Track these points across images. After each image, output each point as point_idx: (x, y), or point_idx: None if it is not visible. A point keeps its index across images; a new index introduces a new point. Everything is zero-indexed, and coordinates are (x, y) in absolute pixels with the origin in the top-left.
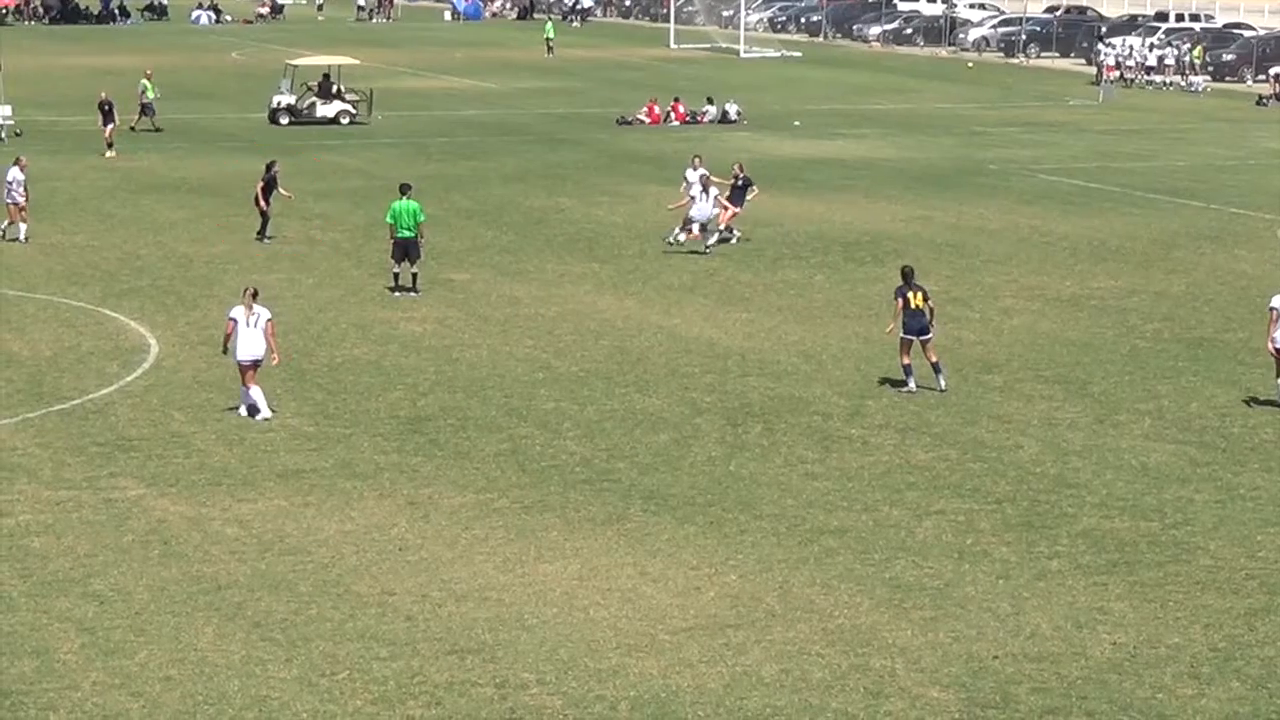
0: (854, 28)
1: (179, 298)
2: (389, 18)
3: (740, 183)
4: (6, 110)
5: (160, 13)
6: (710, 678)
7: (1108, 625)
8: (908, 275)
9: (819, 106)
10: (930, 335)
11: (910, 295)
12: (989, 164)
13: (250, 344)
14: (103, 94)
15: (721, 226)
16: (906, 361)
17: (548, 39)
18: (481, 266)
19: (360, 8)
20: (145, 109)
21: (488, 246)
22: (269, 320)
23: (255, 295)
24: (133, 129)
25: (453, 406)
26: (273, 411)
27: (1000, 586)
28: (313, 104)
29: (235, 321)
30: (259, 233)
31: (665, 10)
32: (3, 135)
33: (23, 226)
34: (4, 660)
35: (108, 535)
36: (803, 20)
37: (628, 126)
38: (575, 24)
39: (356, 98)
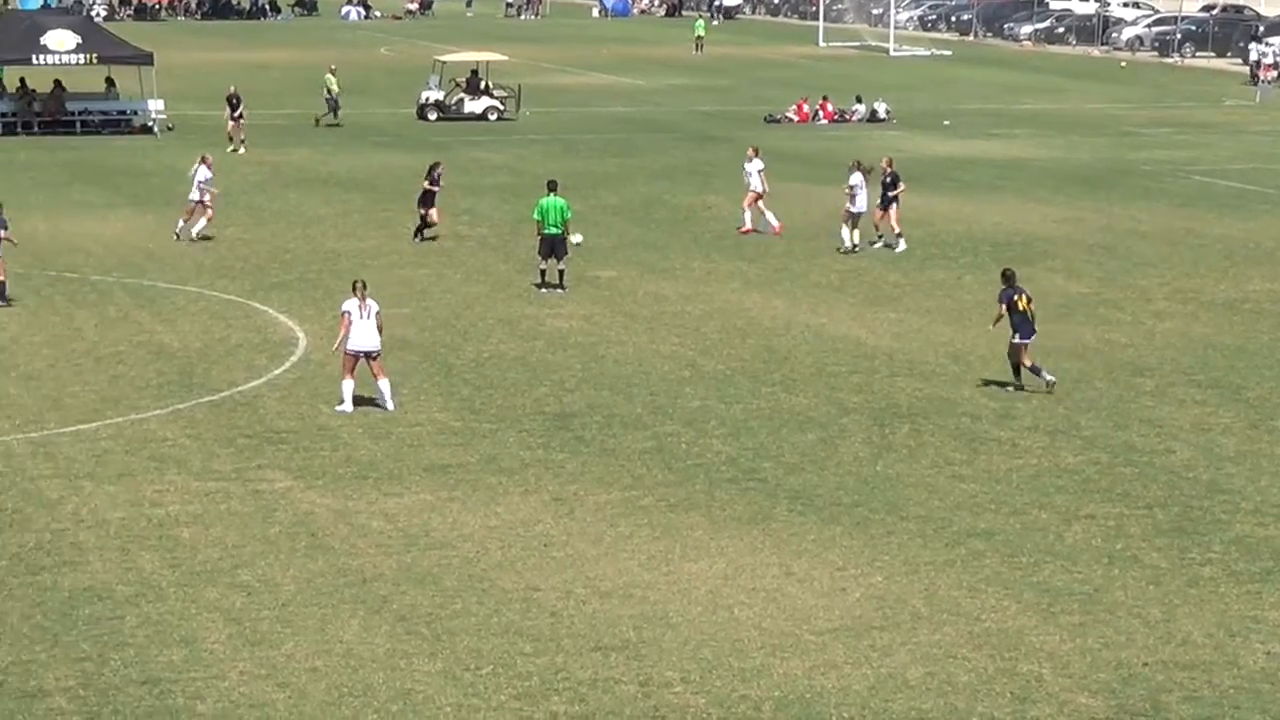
0: (1005, 26)
1: (327, 291)
2: (538, 14)
3: (888, 179)
4: (159, 105)
5: (310, 8)
6: (855, 679)
7: (1261, 634)
8: (1011, 278)
9: (969, 106)
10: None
11: (1017, 299)
12: (1141, 165)
13: (364, 335)
14: (231, 88)
15: (879, 233)
16: (1029, 362)
17: (697, 36)
18: (628, 263)
19: (509, 4)
20: (330, 104)
21: (635, 243)
22: (377, 312)
23: (365, 287)
24: (316, 123)
25: (599, 403)
26: (394, 406)
27: (1150, 592)
28: (461, 100)
29: (349, 314)
30: (416, 232)
31: (814, 8)
32: (155, 130)
33: (202, 221)
34: (153, 649)
35: (255, 527)
36: (953, 19)
37: (776, 125)
38: (715, 21)
39: (504, 94)
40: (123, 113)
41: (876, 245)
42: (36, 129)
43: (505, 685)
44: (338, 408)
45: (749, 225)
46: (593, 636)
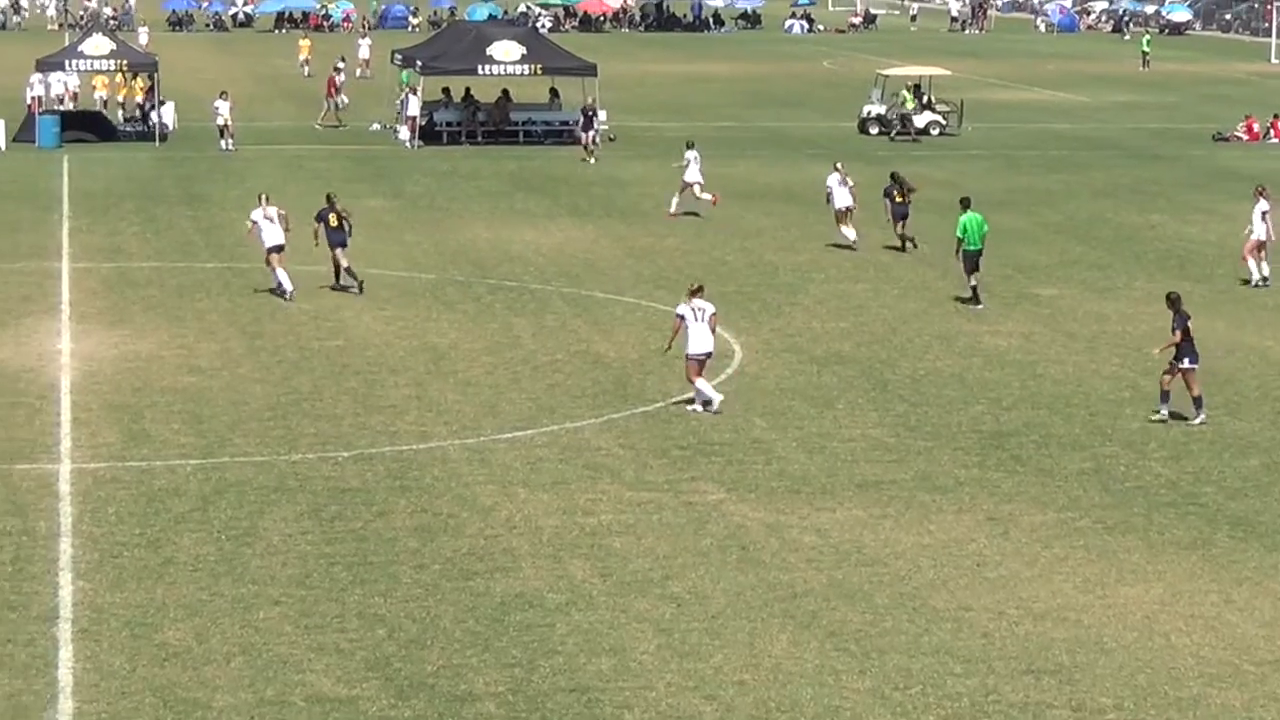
0: None
1: (763, 304)
2: (982, 29)
3: None
4: (602, 116)
5: (754, 21)
6: None
7: None
8: (1177, 301)
9: None
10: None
11: (1190, 325)
12: None
13: (700, 339)
14: (589, 99)
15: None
16: (1169, 387)
17: (1144, 52)
18: (1069, 282)
19: (953, 18)
20: (905, 120)
21: (1076, 262)
22: (713, 314)
23: (699, 291)
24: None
25: (1036, 422)
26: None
27: None
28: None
29: (684, 318)
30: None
31: (1267, 24)
32: (595, 140)
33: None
34: (582, 657)
35: (687, 538)
36: None
37: (1224, 143)
38: (1126, 37)
39: (947, 108)
40: (565, 123)
41: None
42: (480, 138)
43: (934, 705)
44: (689, 409)
45: (1257, 275)
46: (1025, 659)
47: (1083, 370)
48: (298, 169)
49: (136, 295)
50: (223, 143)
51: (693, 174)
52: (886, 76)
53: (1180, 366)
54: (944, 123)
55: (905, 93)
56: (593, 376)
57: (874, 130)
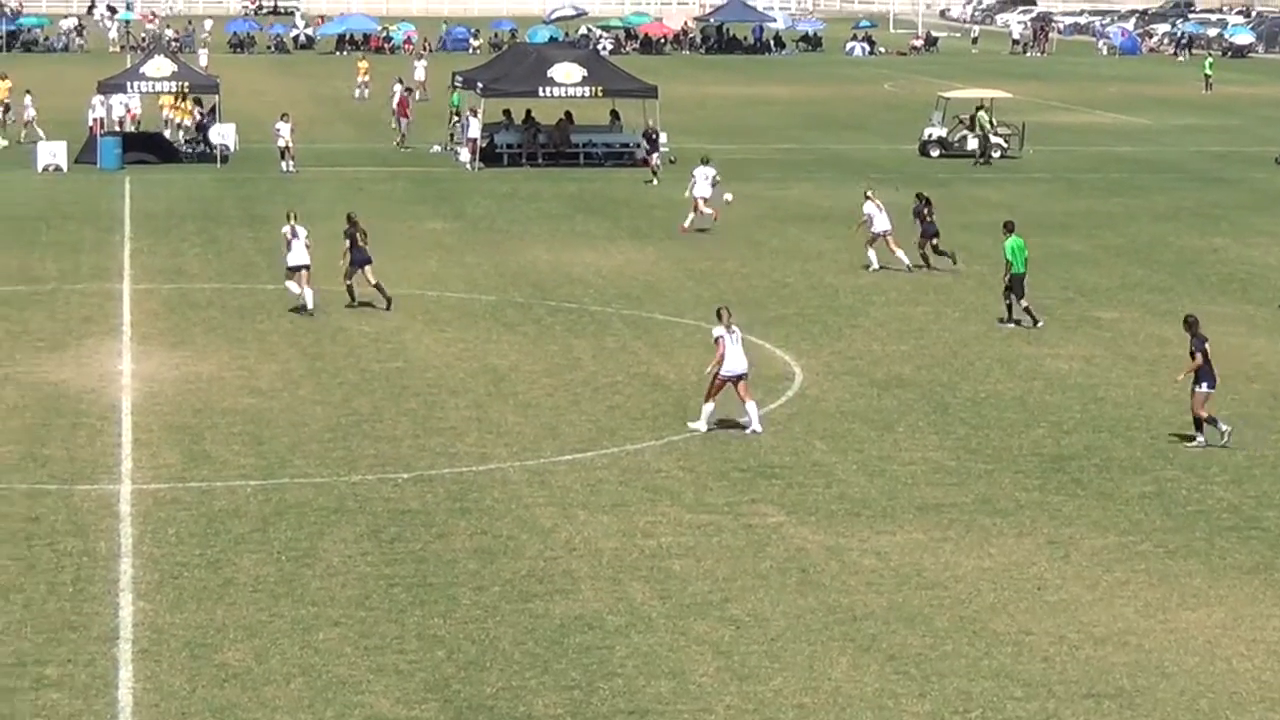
0: None
1: (824, 327)
2: (1044, 51)
3: None
4: (662, 138)
5: (815, 44)
6: None
7: None
8: (1195, 324)
9: None
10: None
11: (1209, 347)
12: None
13: (735, 359)
14: (649, 122)
15: None
16: (1204, 414)
17: (1206, 75)
18: (1130, 305)
19: (1014, 41)
20: (984, 143)
21: (1138, 285)
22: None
23: (730, 314)
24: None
25: (1097, 446)
26: (760, 428)
27: None
28: (964, 137)
29: (722, 339)
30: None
31: None
32: (657, 163)
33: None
34: (641, 680)
35: (746, 561)
36: None
37: None
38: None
39: (1008, 131)
40: (626, 145)
41: None
42: (541, 160)
43: None
44: (691, 424)
45: None
46: (1085, 683)
47: (1144, 394)
48: (358, 190)
49: (198, 316)
50: (284, 164)
51: (702, 189)
52: (948, 99)
53: (1197, 390)
54: (1005, 145)
55: (983, 114)
56: (653, 399)
57: (934, 153)
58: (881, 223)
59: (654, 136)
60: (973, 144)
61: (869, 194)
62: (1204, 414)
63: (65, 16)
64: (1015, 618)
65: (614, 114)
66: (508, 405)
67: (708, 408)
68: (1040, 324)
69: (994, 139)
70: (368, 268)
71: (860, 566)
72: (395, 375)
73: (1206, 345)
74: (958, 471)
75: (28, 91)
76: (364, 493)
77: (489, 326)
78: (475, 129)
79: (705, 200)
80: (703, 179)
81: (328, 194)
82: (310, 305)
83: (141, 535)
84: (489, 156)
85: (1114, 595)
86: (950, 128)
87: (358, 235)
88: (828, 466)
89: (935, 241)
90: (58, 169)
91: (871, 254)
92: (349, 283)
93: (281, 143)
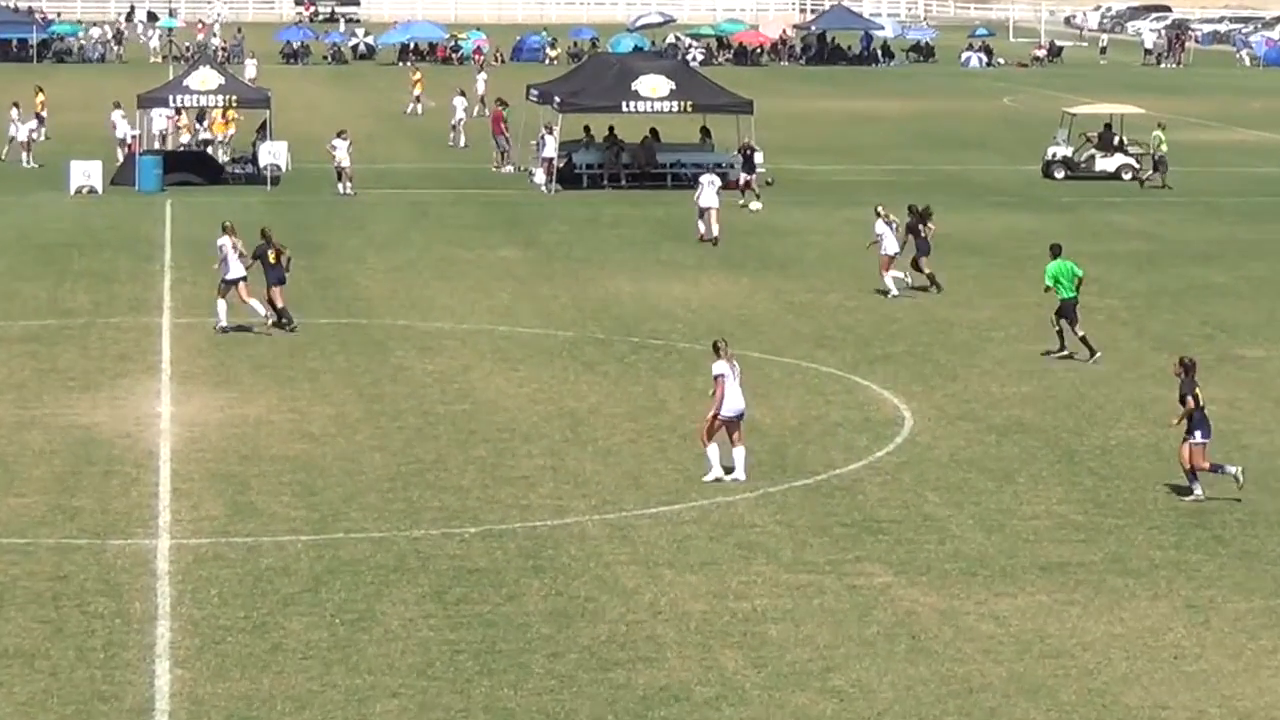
0: None
1: (936, 366)
2: (1179, 62)
3: None
4: (759, 158)
5: (927, 54)
6: None
7: None
8: (1191, 367)
9: None
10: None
11: (1199, 392)
12: None
13: (736, 398)
14: (745, 138)
15: None
16: (1206, 465)
17: None
18: (1278, 342)
19: (1147, 51)
20: (1158, 164)
21: None
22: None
23: (727, 346)
24: (1141, 185)
25: (1240, 499)
26: (745, 476)
27: None
28: (1092, 156)
29: (724, 377)
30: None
31: None
32: (755, 184)
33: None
34: None
35: (850, 625)
36: None
37: None
38: None
39: (1141, 150)
40: (719, 165)
41: None
42: (624, 182)
43: None
44: (705, 478)
45: None
46: None
47: None
48: (422, 215)
49: (244, 353)
50: (340, 186)
51: (709, 198)
52: (1074, 115)
53: (1191, 441)
54: (1137, 166)
55: (1159, 132)
56: (748, 445)
57: (1059, 174)
58: (891, 244)
59: (750, 154)
60: (1102, 164)
61: (880, 210)
62: (1205, 465)
63: (96, 24)
64: (1150, 690)
65: (705, 131)
66: (586, 453)
67: (712, 451)
68: (1098, 356)
69: (1104, 161)
70: (278, 289)
71: (977, 632)
72: (462, 419)
73: (1198, 390)
74: (1086, 526)
75: (14, 104)
76: (427, 549)
77: (566, 365)
78: (551, 147)
79: (715, 211)
80: (709, 188)
81: (390, 219)
82: (263, 313)
83: (180, 595)
84: (567, 178)
85: (1260, 665)
86: (1077, 146)
87: (269, 254)
88: (940, 521)
89: (923, 260)
90: (92, 190)
91: (888, 279)
92: (269, 299)
93: (338, 162)
